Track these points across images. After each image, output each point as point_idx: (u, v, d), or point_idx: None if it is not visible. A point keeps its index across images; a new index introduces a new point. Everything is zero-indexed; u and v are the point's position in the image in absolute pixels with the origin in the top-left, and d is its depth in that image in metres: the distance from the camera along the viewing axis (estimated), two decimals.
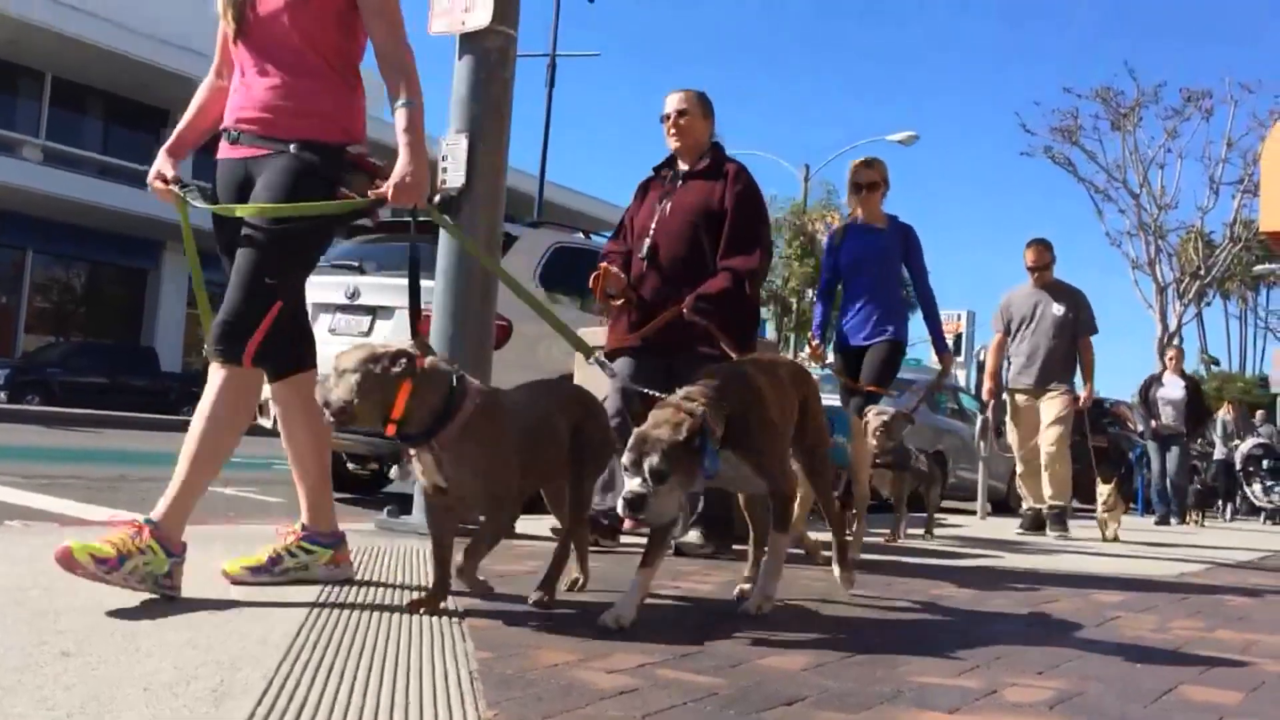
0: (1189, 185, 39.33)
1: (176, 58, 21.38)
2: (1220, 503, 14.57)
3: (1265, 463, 13.88)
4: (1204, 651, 2.65)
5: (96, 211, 21.68)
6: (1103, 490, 7.15)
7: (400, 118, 2.75)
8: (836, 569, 3.22)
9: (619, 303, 4.30)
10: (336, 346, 6.63)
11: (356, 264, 6.66)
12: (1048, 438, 7.32)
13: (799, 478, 3.19)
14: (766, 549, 2.83)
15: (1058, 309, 7.56)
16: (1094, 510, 7.38)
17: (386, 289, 6.33)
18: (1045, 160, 18.35)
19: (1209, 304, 27.37)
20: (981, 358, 11.54)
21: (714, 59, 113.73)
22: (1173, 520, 11.12)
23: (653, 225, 4.31)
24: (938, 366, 7.08)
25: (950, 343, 7.79)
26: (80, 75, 22.60)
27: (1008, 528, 7.58)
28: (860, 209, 5.95)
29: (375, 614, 2.46)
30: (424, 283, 3.61)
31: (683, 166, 4.43)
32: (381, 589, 2.84)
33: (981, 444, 9.86)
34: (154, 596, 2.40)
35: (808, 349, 6.34)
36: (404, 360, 2.40)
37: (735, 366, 2.87)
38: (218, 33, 2.87)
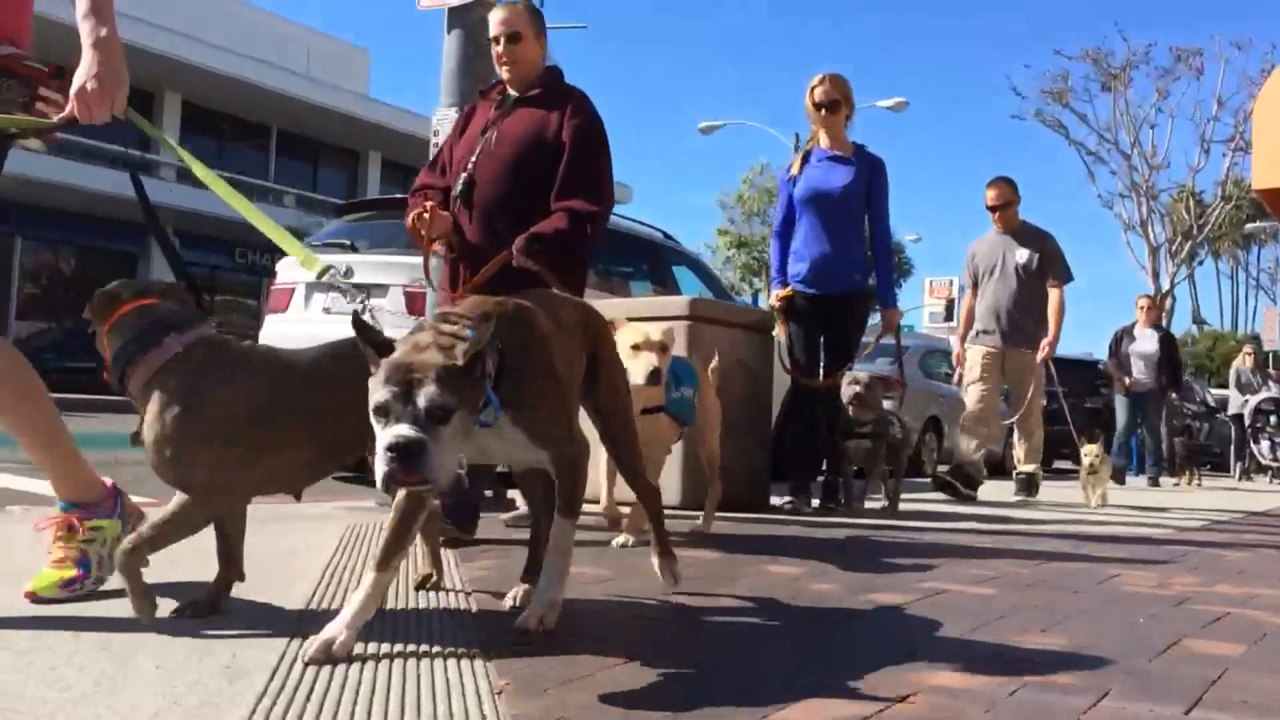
0: (1180, 145, 39.35)
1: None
2: (1233, 460, 14.21)
3: (1274, 418, 13.17)
4: (1205, 606, 2.67)
5: (83, 196, 21.56)
6: (1088, 450, 6.64)
7: (80, 1, 2.14)
8: (655, 560, 2.50)
9: (446, 251, 3.67)
10: (331, 326, 6.65)
11: (348, 242, 6.63)
12: (1015, 400, 6.80)
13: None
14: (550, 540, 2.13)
15: (1022, 255, 6.69)
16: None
17: (379, 266, 6.31)
18: (1037, 124, 18.28)
19: (1201, 263, 27.40)
20: None
21: (697, 19, 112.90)
22: (1164, 480, 10.88)
23: (472, 159, 3.65)
24: (929, 332, 6.95)
25: (943, 310, 7.70)
26: None
27: (1004, 490, 7.62)
28: (822, 132, 5.24)
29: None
30: (419, 259, 3.57)
31: (512, 93, 3.77)
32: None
33: None
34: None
35: (774, 297, 5.43)
36: (105, 299, 2.15)
37: (508, 300, 2.09)
38: None
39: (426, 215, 3.45)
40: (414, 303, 6.01)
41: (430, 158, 4.09)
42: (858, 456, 5.31)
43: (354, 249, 6.55)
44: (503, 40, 3.70)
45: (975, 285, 6.89)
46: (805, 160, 5.29)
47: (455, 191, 3.65)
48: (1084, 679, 1.83)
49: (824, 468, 5.36)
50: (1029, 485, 6.83)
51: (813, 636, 2.16)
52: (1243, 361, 14.61)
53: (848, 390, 5.06)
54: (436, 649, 1.91)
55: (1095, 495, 6.63)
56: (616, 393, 2.44)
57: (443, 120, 4.46)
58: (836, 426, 5.17)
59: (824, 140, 5.23)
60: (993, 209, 6.84)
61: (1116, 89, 17.25)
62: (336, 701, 1.57)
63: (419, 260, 3.75)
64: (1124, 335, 10.79)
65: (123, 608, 2.12)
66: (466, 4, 4.44)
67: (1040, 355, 6.61)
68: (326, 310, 6.42)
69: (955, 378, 7.58)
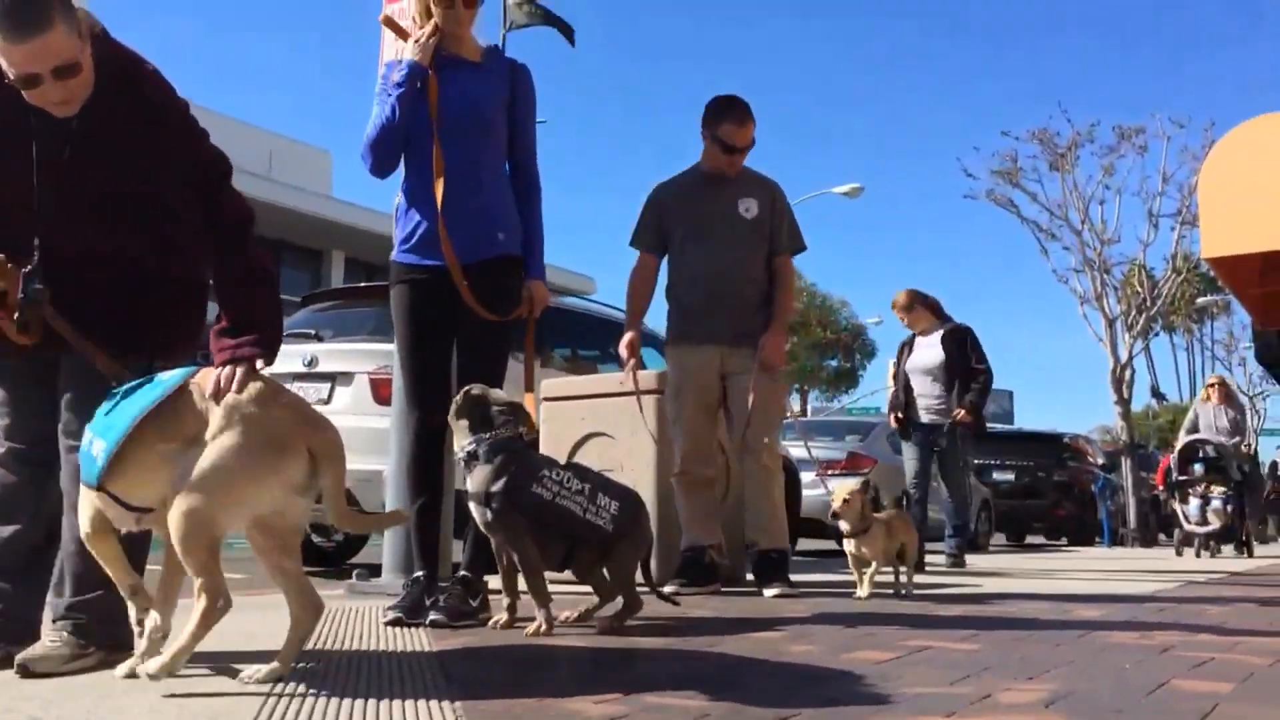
0: (1129, 219, 40.19)
1: None
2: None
3: (1198, 466, 10.06)
4: (1190, 653, 2.64)
5: None
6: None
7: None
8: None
9: None
10: None
11: (313, 332, 6.60)
12: (754, 434, 4.43)
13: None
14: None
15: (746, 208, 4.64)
16: (1057, 544, 6.86)
17: (344, 355, 6.27)
18: (989, 203, 18.68)
19: (1156, 335, 27.87)
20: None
21: (644, 109, 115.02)
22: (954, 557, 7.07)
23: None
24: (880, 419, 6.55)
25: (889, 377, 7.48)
26: None
27: (979, 562, 7.59)
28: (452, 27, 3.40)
29: (355, 662, 2.39)
30: (385, 346, 3.50)
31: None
32: (360, 639, 2.77)
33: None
34: None
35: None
36: None
37: None
38: None
39: None
40: (379, 390, 5.96)
41: None
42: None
43: (318, 339, 6.52)
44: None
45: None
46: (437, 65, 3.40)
47: None
48: (1076, 717, 1.80)
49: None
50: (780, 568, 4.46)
51: (796, 689, 2.11)
52: (1206, 396, 11.17)
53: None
54: (410, 711, 1.85)
55: (866, 583, 4.15)
56: None
57: None
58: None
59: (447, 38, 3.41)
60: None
61: (1064, 167, 17.70)
62: None
63: (383, 346, 3.73)
64: (904, 349, 7.41)
65: (85, 686, 2.05)
66: None
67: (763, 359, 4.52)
68: None
69: None
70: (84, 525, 2.15)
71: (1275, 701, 1.97)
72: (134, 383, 2.18)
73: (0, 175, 2.29)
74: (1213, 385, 11.37)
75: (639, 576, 3.22)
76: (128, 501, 2.11)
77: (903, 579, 4.32)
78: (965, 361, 7.11)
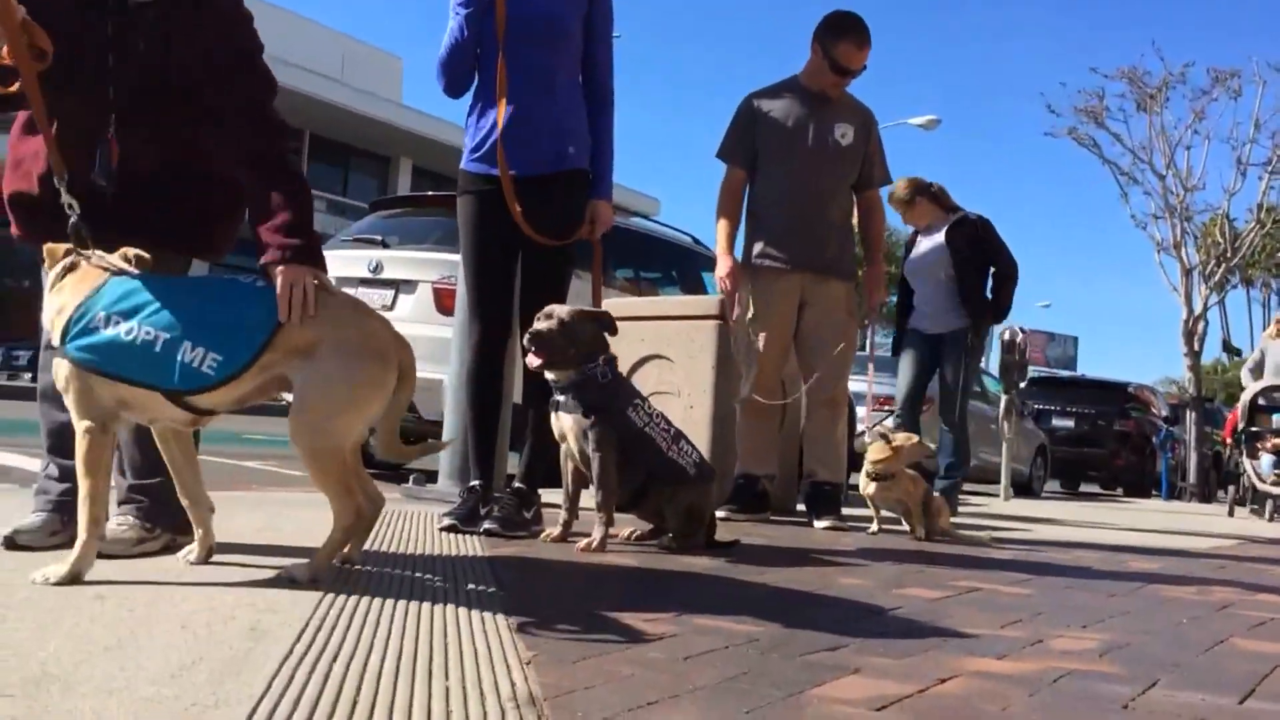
0: (1215, 167, 38.83)
1: None
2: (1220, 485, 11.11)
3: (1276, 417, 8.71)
4: (1249, 612, 2.60)
5: None
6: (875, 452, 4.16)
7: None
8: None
9: None
10: None
11: (379, 238, 6.63)
12: (831, 372, 4.45)
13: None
14: None
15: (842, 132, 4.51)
16: (1112, 494, 6.63)
17: (410, 263, 6.30)
18: (1070, 141, 18.09)
19: (1234, 288, 27.08)
20: (1007, 337, 9.37)
21: (724, 34, 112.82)
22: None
23: None
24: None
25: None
26: None
27: (1031, 508, 7.53)
28: None
29: (408, 565, 2.44)
30: (450, 256, 3.46)
31: None
32: (414, 543, 2.82)
33: (1005, 424, 9.78)
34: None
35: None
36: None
37: None
38: None
39: None
40: (442, 300, 5.98)
41: None
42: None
43: (385, 245, 6.55)
44: None
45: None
46: None
47: None
48: (1130, 669, 1.77)
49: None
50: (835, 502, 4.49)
51: (847, 621, 2.11)
52: (1276, 332, 9.53)
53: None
54: (463, 617, 1.87)
55: (921, 529, 4.11)
56: None
57: None
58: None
59: None
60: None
61: (1152, 109, 17.06)
62: (363, 665, 1.53)
63: (449, 256, 3.72)
64: (911, 243, 6.26)
65: (148, 570, 2.11)
66: None
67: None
68: None
69: (1004, 405, 6.69)
70: (91, 420, 2.07)
71: None
72: (195, 279, 2.19)
73: (75, 63, 2.27)
74: None
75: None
76: (198, 406, 2.12)
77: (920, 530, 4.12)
78: (979, 258, 5.88)
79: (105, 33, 2.28)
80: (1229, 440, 10.11)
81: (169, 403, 2.09)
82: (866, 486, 4.12)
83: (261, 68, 2.42)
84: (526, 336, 2.99)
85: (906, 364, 5.98)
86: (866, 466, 4.12)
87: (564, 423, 3.05)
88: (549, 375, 3.05)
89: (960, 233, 5.89)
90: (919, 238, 6.11)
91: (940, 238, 5.92)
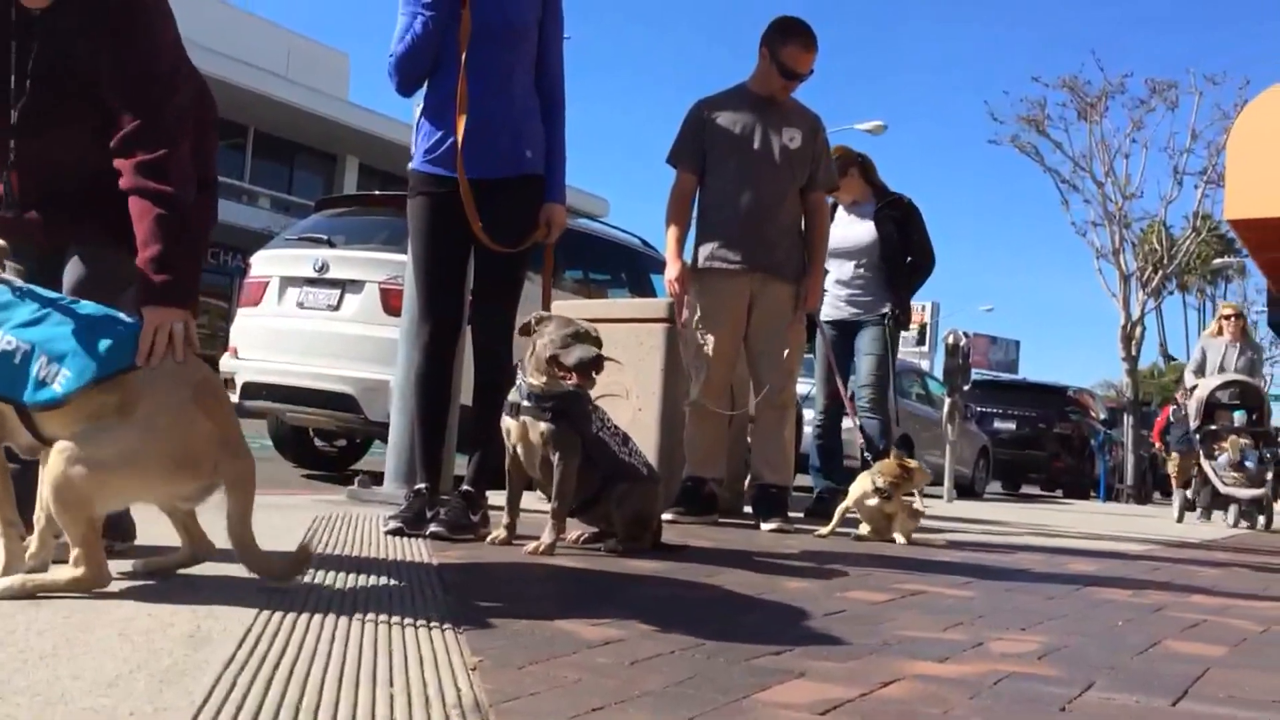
0: (1153, 175, 39.75)
1: None
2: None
3: (1238, 415, 8.19)
4: (1182, 614, 2.66)
5: None
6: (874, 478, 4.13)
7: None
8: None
9: None
10: (305, 321, 6.55)
11: (325, 237, 6.57)
12: (780, 375, 4.45)
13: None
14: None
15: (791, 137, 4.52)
16: (1052, 495, 6.88)
17: (356, 263, 6.24)
18: (1012, 149, 18.44)
19: (1170, 294, 27.72)
20: (950, 341, 9.89)
21: (671, 38, 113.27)
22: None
23: None
24: (901, 355, 5.63)
25: (914, 334, 6.69)
26: None
27: (974, 510, 7.64)
28: None
29: (353, 568, 2.41)
30: (398, 257, 3.42)
31: None
32: (360, 545, 2.79)
33: (949, 428, 9.93)
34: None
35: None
36: None
37: None
38: None
39: None
40: (389, 300, 5.93)
41: None
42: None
43: (331, 244, 6.48)
44: None
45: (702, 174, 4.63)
46: None
47: None
48: (1067, 672, 1.81)
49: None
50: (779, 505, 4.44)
51: (792, 624, 2.12)
52: (1218, 330, 9.27)
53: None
54: (408, 621, 1.86)
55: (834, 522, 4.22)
56: None
57: None
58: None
59: None
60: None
61: (1092, 118, 17.44)
62: (306, 671, 1.51)
63: (396, 257, 3.70)
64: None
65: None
66: None
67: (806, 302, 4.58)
68: (300, 305, 6.34)
69: (947, 409, 6.61)
70: None
71: (1266, 668, 1.98)
72: (78, 302, 2.03)
73: None
74: (1228, 316, 9.19)
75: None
76: (42, 432, 1.96)
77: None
78: (906, 244, 5.56)
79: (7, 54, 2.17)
80: (1157, 441, 10.10)
81: (20, 422, 1.96)
82: (868, 497, 4.12)
83: (163, 70, 2.23)
84: (595, 359, 2.93)
85: (822, 357, 5.39)
86: (876, 481, 4.10)
87: (524, 426, 3.05)
88: (534, 383, 3.03)
89: (890, 216, 5.55)
90: (841, 212, 5.63)
91: (869, 220, 5.57)
